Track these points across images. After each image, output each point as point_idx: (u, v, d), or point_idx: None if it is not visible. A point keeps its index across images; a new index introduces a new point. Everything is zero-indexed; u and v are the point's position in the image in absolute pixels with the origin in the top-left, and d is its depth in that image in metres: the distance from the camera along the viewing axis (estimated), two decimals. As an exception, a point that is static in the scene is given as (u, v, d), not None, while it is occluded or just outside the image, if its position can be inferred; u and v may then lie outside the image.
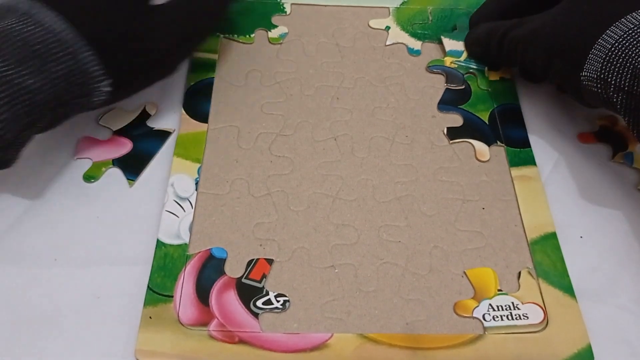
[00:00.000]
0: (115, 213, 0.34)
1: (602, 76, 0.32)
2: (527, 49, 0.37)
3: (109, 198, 0.35)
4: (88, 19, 0.32)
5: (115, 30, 0.32)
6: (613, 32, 0.31)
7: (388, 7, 0.46)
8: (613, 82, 0.31)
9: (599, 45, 0.32)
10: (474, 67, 0.42)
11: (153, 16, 0.34)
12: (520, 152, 0.37)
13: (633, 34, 0.31)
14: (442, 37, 0.43)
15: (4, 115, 0.28)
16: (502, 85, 0.41)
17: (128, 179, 0.36)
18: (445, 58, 0.42)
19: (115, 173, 0.36)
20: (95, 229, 0.34)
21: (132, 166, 0.36)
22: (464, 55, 0.42)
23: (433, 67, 0.42)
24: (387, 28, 0.44)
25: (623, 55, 0.31)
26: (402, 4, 0.46)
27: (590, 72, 0.32)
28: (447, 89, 0.41)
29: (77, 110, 0.32)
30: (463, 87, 0.41)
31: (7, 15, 0.30)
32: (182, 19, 0.35)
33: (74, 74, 0.31)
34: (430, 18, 0.45)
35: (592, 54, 0.32)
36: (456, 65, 0.42)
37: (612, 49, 0.31)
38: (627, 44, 0.31)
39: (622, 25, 0.31)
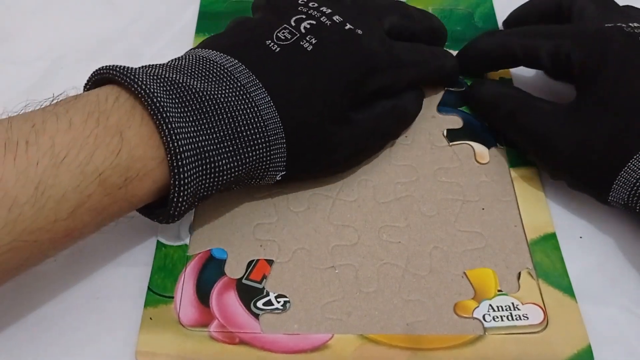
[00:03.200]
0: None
1: (629, 204, 0.31)
2: (541, 160, 0.35)
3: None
4: (295, 114, 0.30)
5: (313, 135, 0.31)
6: (636, 166, 0.30)
7: (388, 8, 0.46)
8: None
9: (623, 177, 0.31)
10: None
11: (347, 128, 0.33)
12: (520, 153, 0.37)
13: None
14: None
15: (189, 189, 0.27)
16: (502, 86, 0.41)
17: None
18: None
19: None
20: (95, 229, 0.34)
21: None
22: None
23: None
24: (387, 29, 0.44)
25: None
26: (402, 4, 0.46)
27: (616, 199, 0.32)
28: (447, 90, 0.41)
29: (242, 187, 0.31)
30: (463, 88, 0.41)
31: (224, 80, 0.29)
32: (366, 136, 0.34)
33: (262, 161, 0.30)
34: (430, 18, 0.45)
35: (616, 184, 0.31)
36: None
37: (637, 183, 0.30)
38: None
39: None
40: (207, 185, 0.28)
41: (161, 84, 0.28)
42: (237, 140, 0.29)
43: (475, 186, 0.36)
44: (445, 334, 0.30)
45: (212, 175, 0.28)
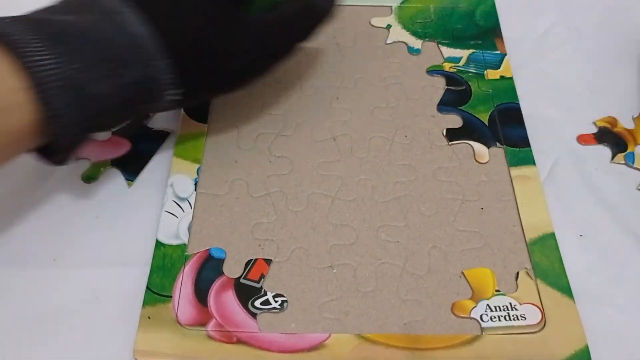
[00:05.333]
0: (114, 213, 0.35)
1: None
2: None
3: (108, 198, 0.35)
4: (173, 26, 0.30)
5: (198, 44, 0.31)
6: None
7: (390, 6, 0.46)
8: None
9: None
10: (474, 71, 0.41)
11: (238, 31, 0.32)
12: (519, 152, 0.37)
13: None
14: (439, 45, 0.43)
15: (68, 119, 0.27)
16: (502, 84, 0.41)
17: (127, 179, 0.36)
18: (444, 64, 0.42)
19: (114, 173, 0.36)
20: (94, 229, 0.34)
21: (131, 166, 0.36)
22: (463, 60, 0.42)
23: (432, 72, 0.42)
24: (389, 26, 0.44)
25: None
26: (404, 2, 0.46)
27: None
28: (447, 89, 0.40)
29: (140, 114, 0.31)
30: (464, 87, 0.40)
31: (92, 10, 0.29)
32: (265, 38, 0.33)
33: (145, 80, 0.29)
34: (433, 17, 0.45)
35: None
36: (455, 70, 0.42)
37: None
38: None
39: None
40: (89, 113, 0.28)
41: (16, 24, 0.27)
42: (111, 64, 0.28)
43: (474, 186, 0.36)
44: (442, 334, 0.30)
45: (92, 103, 0.28)
